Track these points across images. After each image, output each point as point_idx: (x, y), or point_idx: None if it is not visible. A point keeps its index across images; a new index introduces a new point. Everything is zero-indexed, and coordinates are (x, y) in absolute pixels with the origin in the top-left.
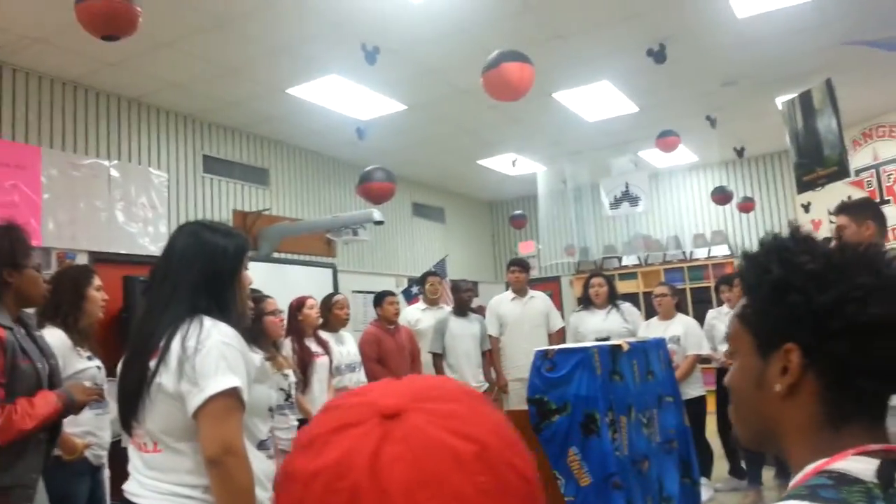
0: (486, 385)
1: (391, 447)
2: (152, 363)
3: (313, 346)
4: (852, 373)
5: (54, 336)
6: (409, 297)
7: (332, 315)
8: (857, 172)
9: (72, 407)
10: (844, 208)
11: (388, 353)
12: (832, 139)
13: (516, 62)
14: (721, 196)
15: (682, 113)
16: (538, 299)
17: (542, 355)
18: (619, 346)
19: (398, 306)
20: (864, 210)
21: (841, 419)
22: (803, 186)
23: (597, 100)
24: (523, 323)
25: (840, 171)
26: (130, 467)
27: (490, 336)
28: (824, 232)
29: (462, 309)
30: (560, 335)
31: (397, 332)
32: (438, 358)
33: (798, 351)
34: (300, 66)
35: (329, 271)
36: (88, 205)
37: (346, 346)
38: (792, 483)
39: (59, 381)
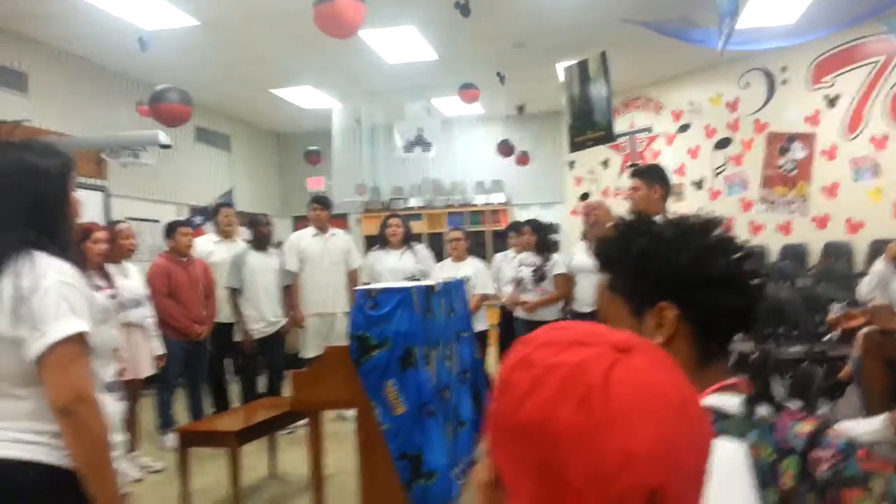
0: (285, 320)
1: (620, 371)
2: None
3: (98, 281)
4: (713, 316)
5: None
6: (192, 228)
7: (116, 245)
8: (616, 137)
9: None
10: (638, 173)
11: (179, 286)
12: (602, 107)
13: (353, 0)
14: (505, 148)
15: (476, 67)
16: (339, 237)
17: (365, 294)
18: (432, 287)
19: (191, 238)
20: (654, 175)
21: (707, 359)
22: (575, 146)
23: (400, 43)
24: (323, 259)
25: (607, 135)
26: None
27: (289, 271)
28: (584, 186)
29: (261, 243)
30: (357, 273)
31: (190, 264)
32: (235, 293)
33: (671, 306)
34: None
35: (99, 195)
36: None
37: (130, 280)
38: None
39: None
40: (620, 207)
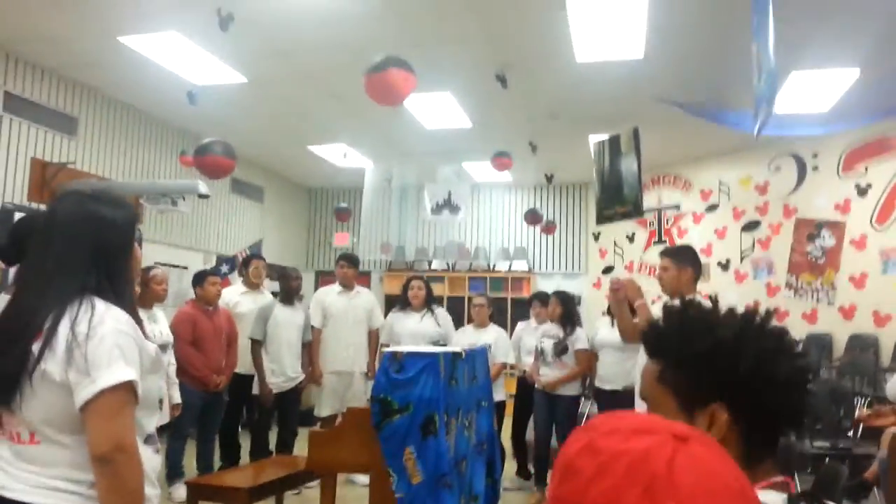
0: (303, 376)
1: (683, 459)
2: (35, 347)
3: None
4: (767, 419)
5: None
6: (220, 278)
7: (149, 290)
8: (643, 213)
9: None
10: (668, 253)
11: (203, 335)
12: (632, 181)
13: (402, 70)
14: (533, 217)
15: (509, 135)
16: (363, 295)
17: (391, 357)
18: (459, 353)
19: (220, 287)
20: (684, 256)
21: (757, 457)
22: (602, 219)
23: (436, 109)
24: (347, 317)
25: (635, 209)
26: None
27: (312, 327)
28: (609, 260)
29: (289, 297)
30: (378, 332)
31: (215, 313)
32: (257, 345)
33: (723, 408)
34: (139, 16)
35: None
36: None
37: (158, 325)
38: None
39: None
40: (647, 283)
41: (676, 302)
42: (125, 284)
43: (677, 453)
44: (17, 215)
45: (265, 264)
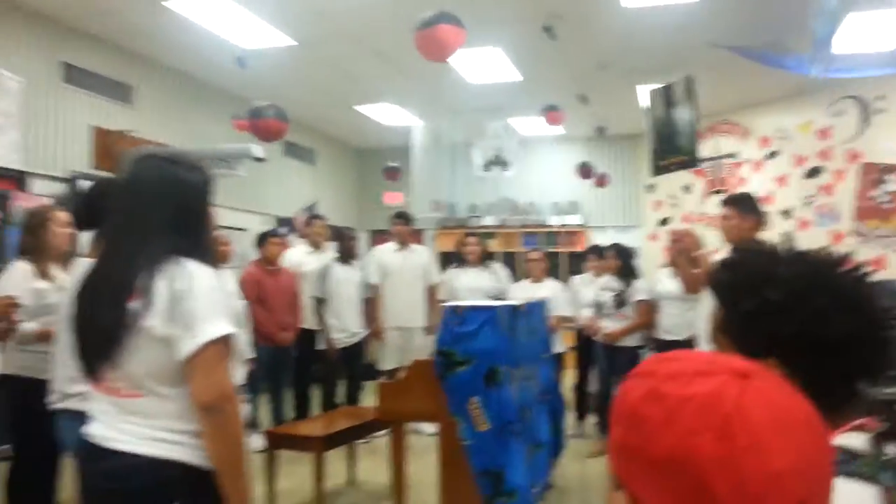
0: (365, 332)
1: (750, 396)
2: (132, 305)
3: None
4: (826, 377)
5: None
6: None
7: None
8: (700, 162)
9: None
10: (731, 201)
11: (268, 293)
12: (687, 131)
13: (452, 25)
14: (585, 170)
15: (559, 88)
16: (419, 252)
17: (452, 311)
18: (518, 306)
19: (282, 248)
20: (748, 204)
21: (830, 407)
22: (657, 170)
23: (484, 64)
24: (404, 274)
25: (691, 160)
26: (95, 411)
27: (371, 284)
28: (665, 211)
29: (346, 256)
30: (436, 288)
31: (278, 272)
32: (320, 303)
33: (777, 364)
34: None
35: None
36: None
37: (226, 285)
38: None
39: None
40: (705, 234)
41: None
42: (207, 244)
43: (744, 391)
44: (82, 182)
45: (326, 224)
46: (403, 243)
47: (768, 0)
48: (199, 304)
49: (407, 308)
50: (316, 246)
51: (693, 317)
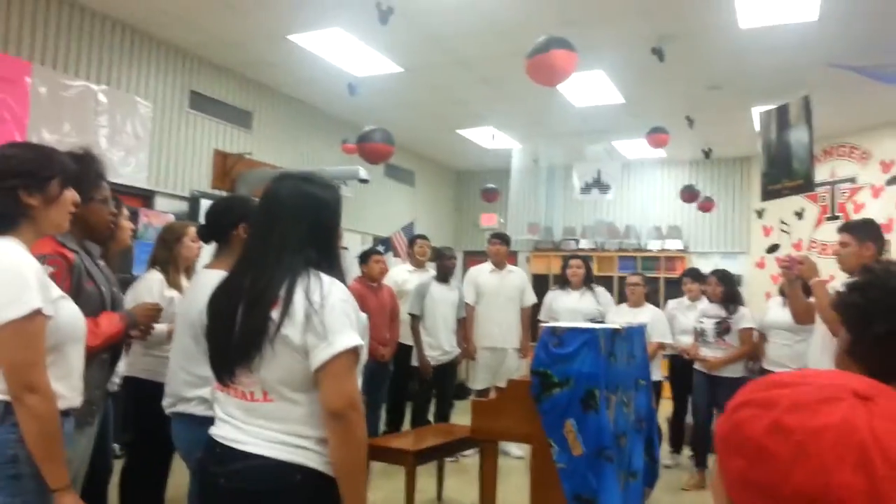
0: (458, 351)
1: (880, 422)
2: (274, 314)
3: None
4: None
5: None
6: None
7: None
8: (815, 187)
9: (134, 327)
10: (848, 227)
11: (370, 310)
12: (802, 153)
13: (565, 49)
14: (689, 194)
15: (664, 110)
16: (515, 274)
17: (551, 332)
18: (618, 330)
19: (384, 265)
20: (867, 231)
21: None
22: (769, 194)
23: (588, 87)
24: (499, 295)
25: (806, 184)
26: (223, 414)
27: (466, 304)
28: (774, 238)
29: (444, 275)
30: (531, 311)
31: (380, 290)
32: (416, 320)
33: None
34: (307, 15)
35: None
36: (75, 127)
37: None
38: None
39: (120, 307)
40: (818, 263)
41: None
42: (338, 259)
43: (872, 415)
44: (203, 201)
45: (429, 244)
46: (499, 264)
47: (890, 17)
48: (333, 315)
49: (500, 329)
50: (418, 265)
51: (803, 348)
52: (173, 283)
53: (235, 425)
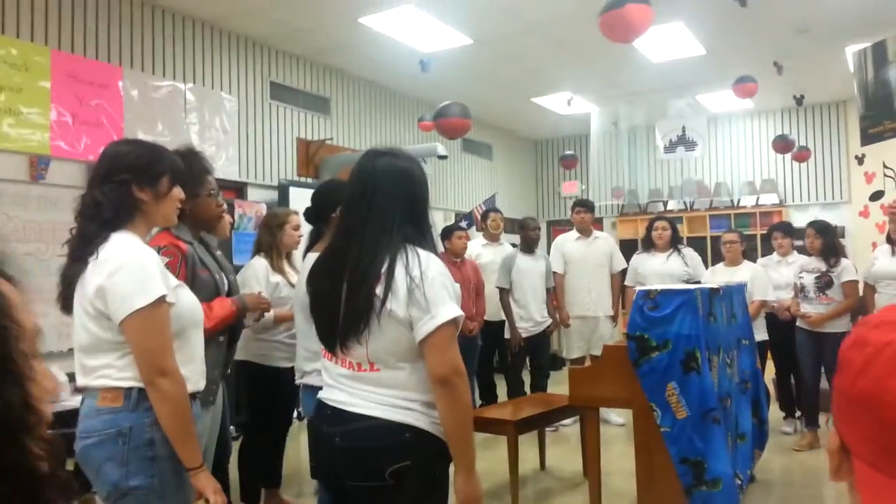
0: (550, 321)
1: None
2: (378, 290)
3: None
4: None
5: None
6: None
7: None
8: None
9: (245, 311)
10: None
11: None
12: None
13: (640, 4)
14: (783, 144)
15: (749, 58)
16: (602, 240)
17: (645, 295)
18: (716, 290)
19: (466, 241)
20: None
21: None
22: (869, 138)
23: (666, 40)
24: (587, 262)
25: None
26: (331, 380)
27: (555, 273)
28: (877, 184)
29: (529, 246)
30: (621, 276)
31: (463, 265)
32: (505, 293)
33: None
34: None
35: None
36: (167, 126)
37: None
38: None
39: (236, 293)
40: None
41: None
42: (431, 233)
43: None
44: (292, 189)
45: (502, 217)
46: (585, 231)
47: None
48: (433, 289)
49: (591, 296)
50: (492, 238)
51: None
52: (277, 268)
53: (345, 390)
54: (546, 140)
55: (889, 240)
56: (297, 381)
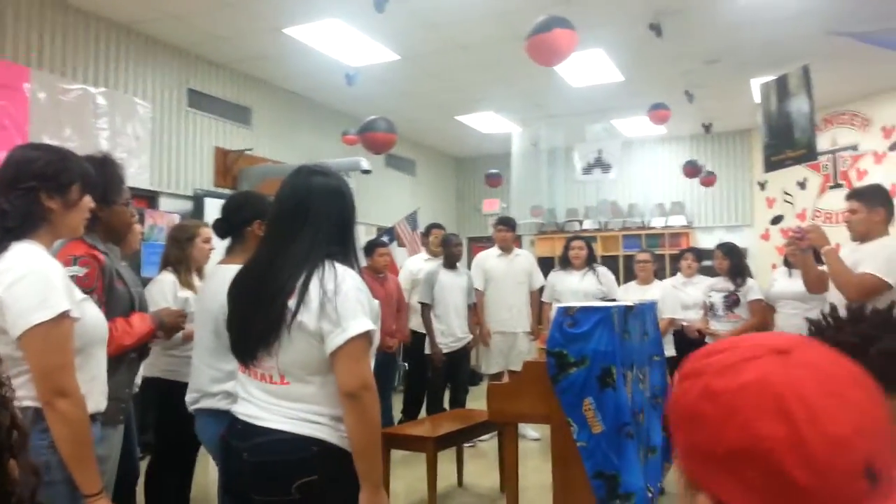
0: (471, 337)
1: (795, 371)
2: (290, 303)
3: None
4: None
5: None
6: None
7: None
8: (817, 156)
9: (162, 328)
10: (857, 194)
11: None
12: (803, 123)
13: (566, 29)
14: (691, 169)
15: (663, 86)
16: (522, 257)
17: (564, 312)
18: (631, 307)
19: (388, 257)
20: (877, 196)
21: None
22: (771, 166)
23: (586, 66)
24: (507, 279)
25: (808, 153)
26: (244, 393)
27: (476, 290)
28: (777, 209)
29: (451, 262)
30: (541, 293)
31: (385, 280)
32: (427, 308)
33: None
34: (302, 7)
35: None
36: (75, 131)
37: None
38: None
39: (145, 308)
40: (826, 231)
41: (866, 246)
42: (354, 249)
43: (788, 366)
44: (207, 200)
45: (444, 233)
46: (506, 249)
47: None
48: (346, 302)
49: (511, 313)
50: (435, 254)
51: (813, 317)
52: (185, 283)
53: (256, 404)
54: (468, 158)
55: (787, 262)
56: (193, 407)
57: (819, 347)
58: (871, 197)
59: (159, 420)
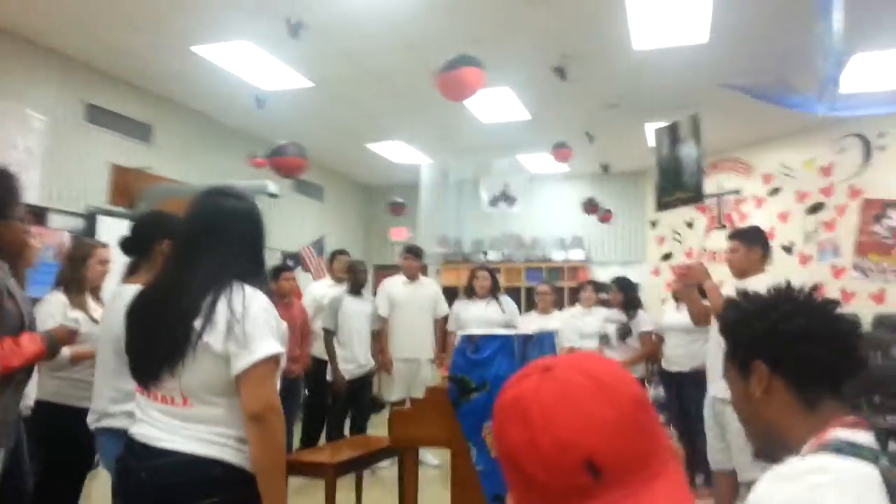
0: (373, 364)
1: (547, 385)
2: (196, 324)
3: None
4: (799, 368)
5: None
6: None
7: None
8: (703, 198)
9: (54, 348)
10: (737, 234)
11: None
12: (692, 167)
13: (474, 67)
14: (590, 207)
15: (566, 126)
16: (428, 285)
17: (467, 339)
18: (530, 336)
19: (294, 282)
20: (754, 236)
21: (811, 403)
22: (662, 206)
23: (495, 103)
24: (412, 306)
25: (696, 196)
26: (142, 415)
27: (380, 316)
28: (667, 246)
29: (357, 288)
30: (444, 321)
31: (290, 305)
32: (330, 334)
33: (762, 364)
34: (212, 27)
35: None
36: None
37: None
38: (805, 450)
39: (35, 327)
40: (711, 269)
41: (745, 282)
42: (263, 271)
43: (543, 381)
44: (100, 218)
45: (348, 259)
46: (413, 277)
47: (774, 41)
48: (254, 324)
49: (415, 340)
50: (339, 280)
51: (698, 348)
52: (78, 304)
53: (155, 425)
54: (377, 186)
55: (675, 297)
56: (94, 426)
57: (585, 363)
58: (750, 237)
59: (46, 444)
